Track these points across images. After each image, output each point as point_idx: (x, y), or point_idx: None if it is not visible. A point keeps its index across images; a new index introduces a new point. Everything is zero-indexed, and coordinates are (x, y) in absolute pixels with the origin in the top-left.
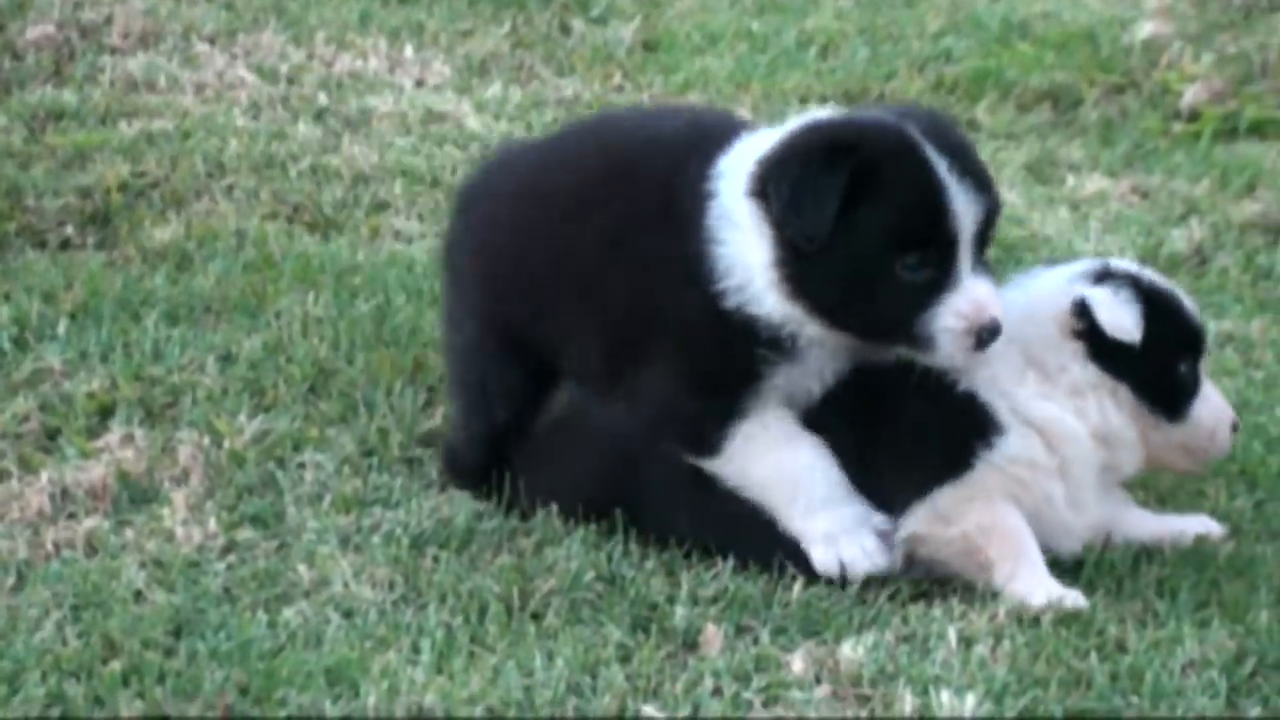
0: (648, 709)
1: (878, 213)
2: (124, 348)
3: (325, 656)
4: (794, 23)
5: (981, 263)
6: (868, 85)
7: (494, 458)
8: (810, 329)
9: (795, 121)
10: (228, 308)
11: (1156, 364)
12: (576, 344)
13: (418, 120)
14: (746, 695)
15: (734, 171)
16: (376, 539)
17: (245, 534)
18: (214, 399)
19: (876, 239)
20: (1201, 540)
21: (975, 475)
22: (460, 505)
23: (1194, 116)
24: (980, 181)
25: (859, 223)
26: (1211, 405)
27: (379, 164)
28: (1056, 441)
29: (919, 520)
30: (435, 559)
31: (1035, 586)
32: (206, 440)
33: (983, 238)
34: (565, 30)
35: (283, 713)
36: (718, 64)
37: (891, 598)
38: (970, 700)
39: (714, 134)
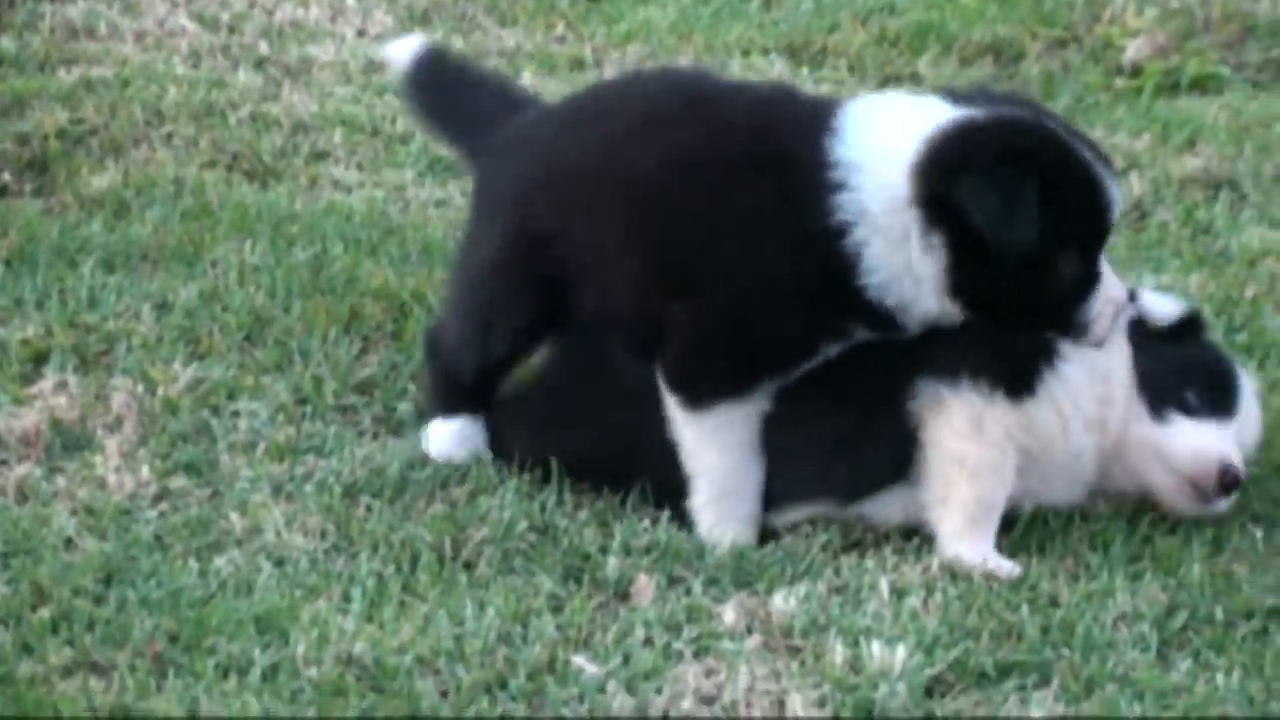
0: (578, 659)
1: (1056, 214)
2: (59, 294)
3: (255, 605)
4: None
5: None
6: (810, 38)
7: (478, 389)
8: (955, 315)
9: (925, 116)
10: (164, 256)
11: (1163, 364)
12: (608, 272)
13: (358, 69)
14: (677, 645)
15: (868, 169)
16: (309, 487)
17: (178, 482)
18: (149, 346)
19: (1051, 239)
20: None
21: (1034, 403)
22: (393, 454)
23: (1136, 71)
24: (1116, 174)
25: (1041, 225)
26: (1203, 432)
27: (319, 113)
28: (1113, 383)
29: (960, 408)
30: (368, 508)
31: (976, 553)
32: (140, 388)
33: None
34: None
35: (212, 661)
36: (660, 15)
37: (824, 548)
38: (901, 651)
39: (812, 112)
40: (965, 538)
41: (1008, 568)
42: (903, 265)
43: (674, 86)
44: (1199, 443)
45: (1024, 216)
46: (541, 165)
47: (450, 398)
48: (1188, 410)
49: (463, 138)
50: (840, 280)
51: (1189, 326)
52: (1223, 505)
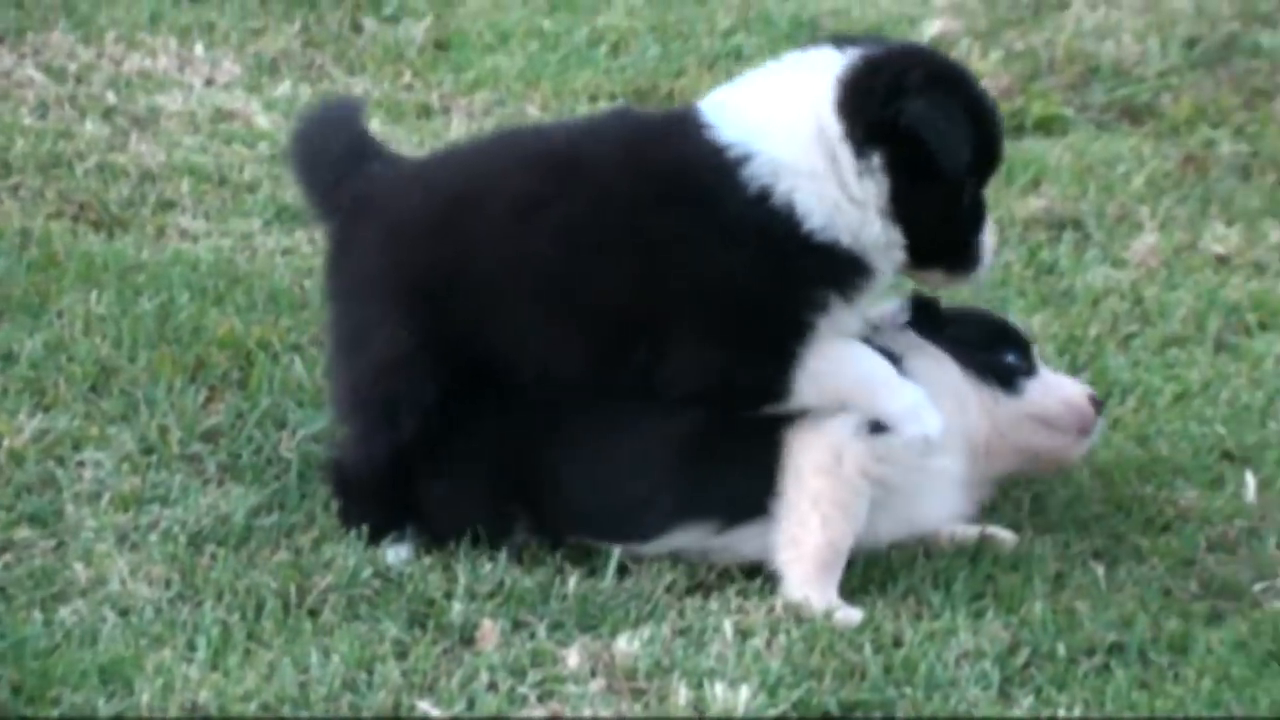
0: (423, 704)
1: (975, 136)
2: None
3: (100, 655)
4: (585, 20)
5: None
6: (658, 83)
7: (394, 476)
8: (893, 256)
9: (822, 59)
10: (10, 307)
11: (974, 349)
12: (547, 349)
13: (206, 119)
14: (522, 690)
15: (765, 129)
16: (154, 537)
17: (22, 533)
18: None
19: (974, 160)
20: (987, 537)
21: (890, 438)
22: (238, 502)
23: None
24: None
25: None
26: (1054, 382)
27: (166, 162)
28: (961, 387)
29: (824, 439)
30: (213, 556)
31: (822, 598)
32: None
33: None
34: (356, 29)
35: (56, 712)
36: (508, 62)
37: (669, 589)
38: (745, 693)
39: (677, 116)
40: (813, 583)
41: (852, 616)
42: (839, 193)
43: (537, 153)
44: (1059, 392)
45: (963, 134)
46: (442, 260)
47: (376, 516)
48: (1026, 372)
49: (317, 188)
50: (790, 236)
51: (925, 311)
52: (1099, 430)
